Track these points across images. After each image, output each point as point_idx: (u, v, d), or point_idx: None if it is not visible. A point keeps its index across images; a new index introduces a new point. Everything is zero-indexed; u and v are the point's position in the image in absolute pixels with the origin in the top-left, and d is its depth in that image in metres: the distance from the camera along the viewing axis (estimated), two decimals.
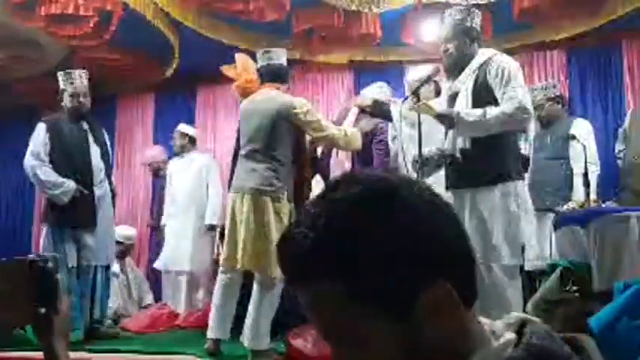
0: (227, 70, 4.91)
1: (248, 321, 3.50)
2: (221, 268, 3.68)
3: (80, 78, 4.39)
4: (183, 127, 6.14)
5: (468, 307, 0.70)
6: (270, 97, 3.67)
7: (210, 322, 3.67)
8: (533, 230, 3.49)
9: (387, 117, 4.28)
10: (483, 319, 0.73)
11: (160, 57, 6.78)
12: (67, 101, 4.36)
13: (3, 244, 8.23)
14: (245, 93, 4.07)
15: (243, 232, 3.46)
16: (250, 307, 3.52)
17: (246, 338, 3.51)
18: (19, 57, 6.58)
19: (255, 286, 3.55)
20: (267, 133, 3.55)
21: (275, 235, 3.43)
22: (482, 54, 3.21)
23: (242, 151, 3.65)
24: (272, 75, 3.76)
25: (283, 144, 3.57)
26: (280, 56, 3.82)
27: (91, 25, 5.70)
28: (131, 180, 7.74)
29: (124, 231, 5.89)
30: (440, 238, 0.68)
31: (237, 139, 3.93)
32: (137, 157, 7.63)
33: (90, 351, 3.83)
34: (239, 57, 4.59)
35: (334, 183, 0.72)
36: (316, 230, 0.68)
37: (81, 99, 4.34)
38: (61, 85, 4.38)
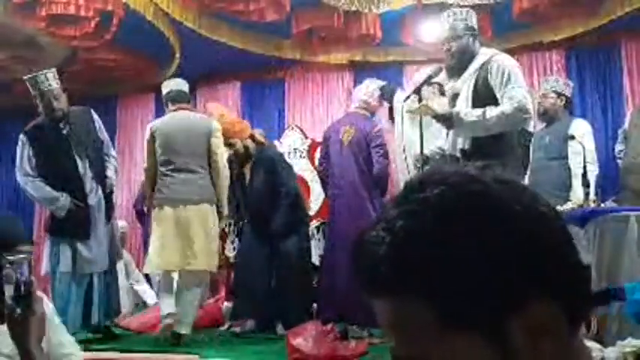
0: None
1: (184, 310, 3.95)
2: (173, 273, 4.12)
3: (46, 80, 4.05)
4: None
5: (574, 332, 0.59)
6: (196, 116, 4.35)
7: (191, 318, 3.98)
8: None
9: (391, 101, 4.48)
10: (591, 344, 0.62)
11: (159, 57, 6.79)
12: (40, 106, 4.10)
13: None
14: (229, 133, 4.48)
15: (192, 237, 3.96)
16: (190, 299, 3.99)
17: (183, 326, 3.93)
18: (19, 57, 6.58)
19: (193, 282, 4.05)
20: (203, 148, 4.10)
21: (216, 236, 4.18)
22: (484, 53, 3.22)
23: (172, 165, 4.07)
24: (185, 97, 4.37)
25: (207, 158, 4.12)
26: (180, 83, 4.44)
27: (92, 25, 5.70)
28: (131, 180, 7.74)
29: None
30: (542, 248, 0.57)
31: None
32: (137, 157, 7.63)
33: (90, 351, 3.84)
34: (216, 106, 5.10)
35: (418, 181, 0.61)
36: (393, 234, 0.57)
37: (52, 101, 4.03)
38: (31, 91, 4.08)
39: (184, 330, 3.92)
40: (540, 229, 0.58)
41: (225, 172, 4.19)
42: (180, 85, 4.40)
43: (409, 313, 0.57)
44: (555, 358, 0.56)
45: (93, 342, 4.11)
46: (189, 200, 4.00)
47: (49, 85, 4.06)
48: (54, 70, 4.19)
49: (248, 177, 4.60)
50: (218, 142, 4.16)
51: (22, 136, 4.13)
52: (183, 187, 4.02)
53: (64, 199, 4.02)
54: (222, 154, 4.21)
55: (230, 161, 4.43)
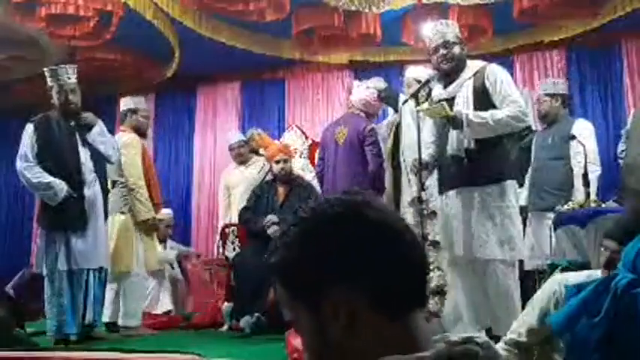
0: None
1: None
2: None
3: (67, 74, 4.17)
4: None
5: (397, 317, 0.82)
6: (119, 136, 4.75)
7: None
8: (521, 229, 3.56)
9: (394, 105, 4.48)
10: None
11: (159, 57, 6.79)
12: (55, 98, 4.17)
13: (3, 244, 8.25)
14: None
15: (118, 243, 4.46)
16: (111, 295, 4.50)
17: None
18: (19, 57, 6.59)
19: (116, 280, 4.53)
20: (117, 165, 4.52)
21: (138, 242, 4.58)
22: (474, 63, 3.42)
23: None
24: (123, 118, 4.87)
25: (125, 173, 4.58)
26: (129, 103, 4.86)
27: (91, 25, 5.71)
28: None
29: None
30: (352, 252, 0.83)
31: None
32: None
33: (90, 351, 3.83)
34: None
35: (310, 205, 0.91)
36: (280, 238, 0.90)
37: (69, 96, 4.14)
38: (49, 82, 4.19)
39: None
40: (348, 238, 0.83)
41: None
42: (127, 104, 4.84)
43: (281, 291, 0.89)
44: (354, 333, 0.80)
45: (87, 342, 4.07)
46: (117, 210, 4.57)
47: (69, 78, 4.18)
48: (74, 66, 4.30)
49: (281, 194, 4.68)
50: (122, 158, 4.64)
51: (29, 124, 4.15)
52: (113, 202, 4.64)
53: (61, 185, 4.00)
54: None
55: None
